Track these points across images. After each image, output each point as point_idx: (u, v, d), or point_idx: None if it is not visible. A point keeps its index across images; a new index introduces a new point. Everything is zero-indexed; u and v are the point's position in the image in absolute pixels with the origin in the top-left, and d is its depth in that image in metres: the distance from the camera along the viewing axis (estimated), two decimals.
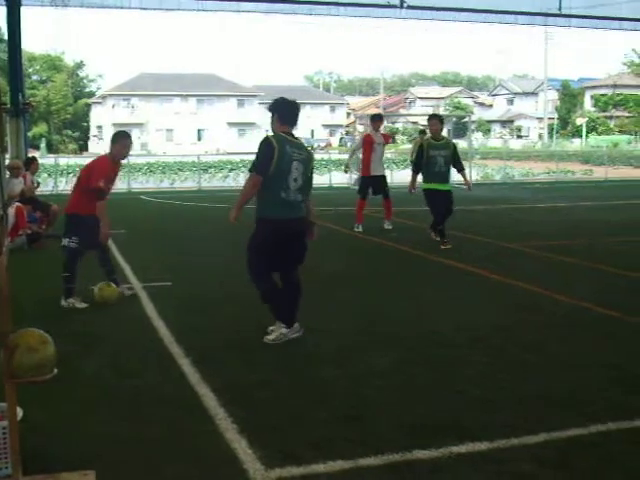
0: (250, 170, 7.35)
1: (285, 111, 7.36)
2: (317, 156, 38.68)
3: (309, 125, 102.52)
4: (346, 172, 18.85)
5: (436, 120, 14.03)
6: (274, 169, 7.06)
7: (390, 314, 8.62)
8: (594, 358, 6.89)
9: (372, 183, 16.17)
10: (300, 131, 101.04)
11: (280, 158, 7.07)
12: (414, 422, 5.33)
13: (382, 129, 17.12)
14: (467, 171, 27.45)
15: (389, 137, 18.08)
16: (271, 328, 7.40)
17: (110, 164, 9.10)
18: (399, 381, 6.26)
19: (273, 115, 7.37)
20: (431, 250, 13.06)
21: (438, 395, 5.90)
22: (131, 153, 9.82)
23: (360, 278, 10.89)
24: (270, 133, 7.43)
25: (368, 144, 16.05)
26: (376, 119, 16.77)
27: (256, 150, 7.23)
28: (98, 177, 8.83)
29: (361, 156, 16.50)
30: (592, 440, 5.02)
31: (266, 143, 7.17)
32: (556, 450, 4.87)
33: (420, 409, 5.60)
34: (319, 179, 32.43)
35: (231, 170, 34.55)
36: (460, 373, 6.43)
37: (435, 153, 13.57)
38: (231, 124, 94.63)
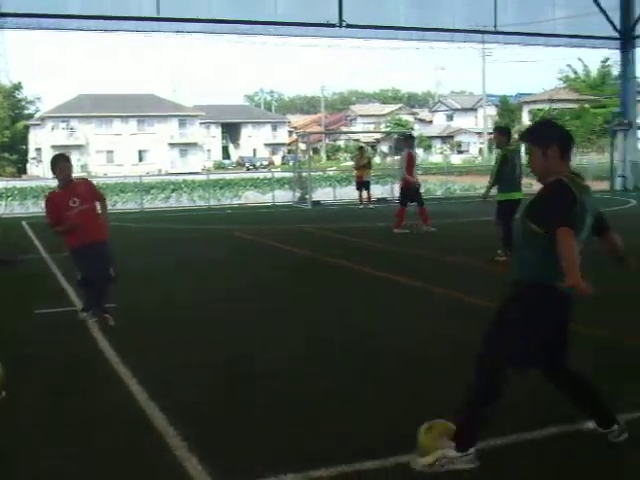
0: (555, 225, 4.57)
1: (565, 140, 4.93)
2: (260, 175, 38.83)
3: (251, 144, 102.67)
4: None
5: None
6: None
7: (333, 329, 8.69)
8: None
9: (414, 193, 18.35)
10: (243, 150, 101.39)
11: (580, 210, 4.72)
12: (361, 434, 5.39)
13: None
14: None
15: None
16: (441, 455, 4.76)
17: (54, 196, 9.16)
18: (345, 394, 6.32)
19: (547, 147, 4.83)
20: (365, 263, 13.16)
21: (384, 407, 5.97)
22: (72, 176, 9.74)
23: (300, 294, 10.95)
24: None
25: (411, 160, 18.42)
26: (411, 138, 20.07)
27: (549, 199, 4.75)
28: (50, 216, 9.05)
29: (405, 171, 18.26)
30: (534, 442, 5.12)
31: (564, 189, 4.71)
32: (500, 454, 4.97)
33: (366, 420, 5.66)
34: (262, 198, 32.66)
35: (173, 191, 34.46)
36: (398, 384, 6.51)
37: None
38: (172, 144, 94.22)
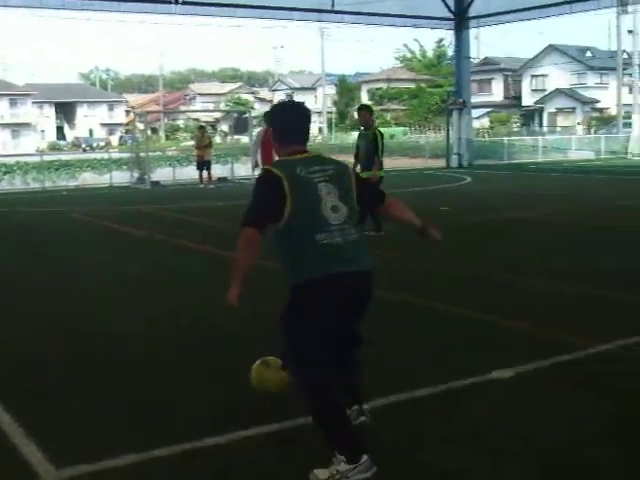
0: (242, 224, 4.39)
1: (285, 123, 4.72)
2: (97, 156, 37.98)
3: (87, 124, 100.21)
4: (255, 168, 18.63)
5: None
6: (293, 209, 4.34)
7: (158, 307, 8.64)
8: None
9: None
10: (78, 131, 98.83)
11: (296, 191, 4.35)
12: (203, 411, 5.42)
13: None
14: (249, 166, 27.91)
15: None
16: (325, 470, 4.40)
17: None
18: (186, 373, 6.32)
19: (272, 131, 4.84)
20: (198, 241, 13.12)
21: (225, 382, 5.98)
22: None
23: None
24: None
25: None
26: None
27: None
28: None
29: (260, 151, 17.38)
30: (375, 412, 5.25)
31: (265, 178, 4.51)
32: None
33: (209, 397, 5.69)
34: (99, 179, 31.93)
35: (5, 173, 33.14)
36: (243, 358, 6.53)
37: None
38: (4, 125, 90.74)
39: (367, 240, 4.66)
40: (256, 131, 20.86)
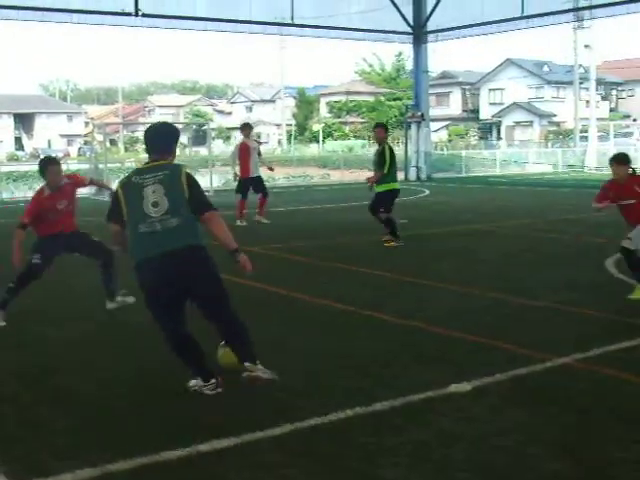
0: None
1: (145, 140, 6.21)
2: None
3: (46, 135, 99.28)
4: (235, 179, 18.96)
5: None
6: (127, 209, 5.86)
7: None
8: (328, 348, 7.26)
9: (252, 183, 18.27)
10: (37, 141, 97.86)
11: (127, 194, 5.86)
12: (159, 425, 5.42)
13: (252, 135, 19.33)
14: (207, 178, 27.87)
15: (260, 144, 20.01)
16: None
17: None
18: (141, 385, 6.33)
19: None
20: None
21: (179, 397, 5.99)
22: None
23: None
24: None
25: (245, 150, 18.19)
26: (246, 127, 19.04)
27: None
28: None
29: (238, 162, 18.36)
30: (332, 427, 5.30)
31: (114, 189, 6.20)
32: (299, 439, 5.11)
33: (164, 412, 5.69)
34: None
35: None
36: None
37: None
38: None
39: (196, 224, 5.85)
40: (234, 144, 21.06)
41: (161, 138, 6.15)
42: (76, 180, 9.47)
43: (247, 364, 5.85)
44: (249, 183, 18.33)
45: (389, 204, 14.31)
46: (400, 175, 36.27)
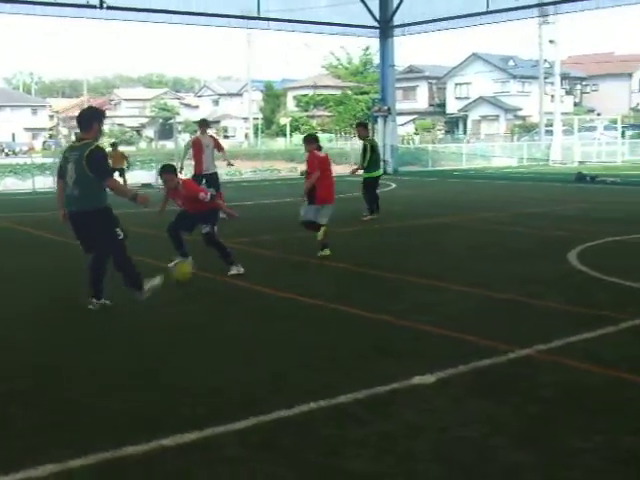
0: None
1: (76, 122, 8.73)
2: (19, 160, 37.28)
3: (10, 129, 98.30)
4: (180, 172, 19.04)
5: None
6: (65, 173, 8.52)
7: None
8: (294, 341, 7.27)
9: (206, 179, 17.98)
10: (0, 135, 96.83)
11: (64, 165, 8.52)
12: (122, 420, 5.38)
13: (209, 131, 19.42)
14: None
15: (217, 140, 19.44)
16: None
17: None
18: (104, 381, 6.28)
19: None
20: None
21: (142, 390, 5.98)
22: None
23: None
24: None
25: (198, 146, 18.09)
26: (202, 124, 19.05)
27: None
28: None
29: (192, 158, 18.40)
30: (296, 420, 5.30)
31: None
32: (262, 432, 5.11)
33: (126, 406, 5.65)
34: (22, 184, 31.43)
35: None
36: (166, 364, 6.53)
37: None
38: None
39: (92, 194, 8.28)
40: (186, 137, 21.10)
41: (83, 119, 8.55)
42: None
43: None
44: (202, 179, 18.06)
45: (374, 187, 17.68)
46: None
